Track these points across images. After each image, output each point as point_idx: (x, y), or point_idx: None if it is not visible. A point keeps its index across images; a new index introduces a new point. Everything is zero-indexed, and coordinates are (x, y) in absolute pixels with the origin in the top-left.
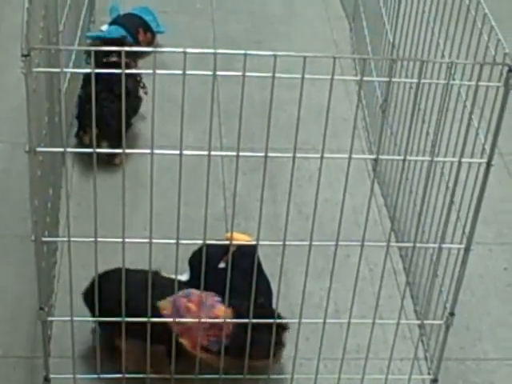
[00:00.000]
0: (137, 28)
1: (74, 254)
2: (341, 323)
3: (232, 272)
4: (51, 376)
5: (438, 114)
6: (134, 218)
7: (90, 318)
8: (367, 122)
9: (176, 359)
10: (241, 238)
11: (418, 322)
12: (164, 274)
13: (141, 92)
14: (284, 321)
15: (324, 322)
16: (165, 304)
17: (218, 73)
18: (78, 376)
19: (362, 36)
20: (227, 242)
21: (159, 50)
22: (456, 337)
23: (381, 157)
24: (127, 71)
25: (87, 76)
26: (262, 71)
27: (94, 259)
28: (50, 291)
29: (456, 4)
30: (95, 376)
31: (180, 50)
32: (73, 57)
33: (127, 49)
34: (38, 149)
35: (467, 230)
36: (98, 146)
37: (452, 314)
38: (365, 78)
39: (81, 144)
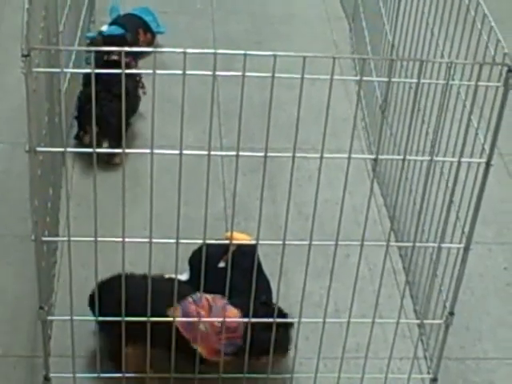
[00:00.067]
0: (137, 28)
1: (74, 253)
2: (340, 322)
3: (232, 271)
4: (51, 375)
5: (437, 113)
6: (134, 218)
7: (90, 318)
8: (367, 121)
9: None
10: (241, 238)
11: (418, 321)
12: (167, 275)
13: (140, 92)
14: (289, 320)
15: (324, 322)
16: (175, 313)
17: (218, 73)
18: (78, 375)
19: (361, 36)
20: (227, 242)
21: (159, 50)
22: (456, 336)
23: (380, 156)
24: (127, 71)
25: (87, 76)
26: (262, 71)
27: (94, 259)
28: (50, 291)
29: (456, 4)
30: (95, 375)
31: (180, 50)
32: (73, 57)
33: (127, 49)
34: (38, 149)
35: (467, 229)
36: (99, 145)
37: (452, 313)
38: (364, 78)
39: (81, 144)
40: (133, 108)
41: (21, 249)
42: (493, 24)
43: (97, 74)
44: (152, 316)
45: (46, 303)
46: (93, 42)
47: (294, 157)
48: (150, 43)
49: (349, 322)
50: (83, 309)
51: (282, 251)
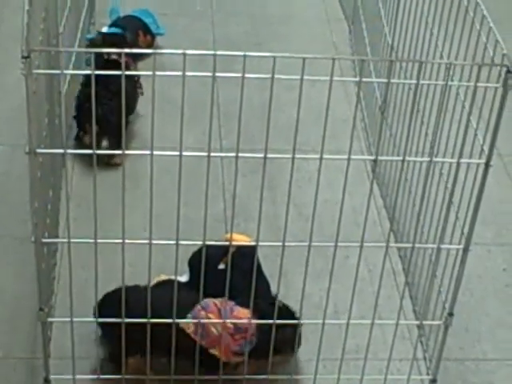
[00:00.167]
0: (137, 30)
1: (74, 255)
2: (340, 324)
3: (232, 273)
4: (51, 377)
5: (436, 114)
6: (134, 219)
7: (90, 319)
8: (366, 122)
9: (208, 370)
10: (240, 239)
11: (417, 322)
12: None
13: (137, 91)
14: (288, 322)
15: (323, 323)
16: (187, 323)
17: (218, 74)
18: (78, 377)
19: (361, 38)
20: (227, 243)
21: (159, 51)
22: (455, 337)
23: (380, 157)
24: (127, 73)
25: (87, 76)
26: (262, 73)
27: (94, 260)
28: (49, 292)
29: (454, 5)
30: (95, 377)
31: (179, 51)
32: (73, 58)
33: (127, 50)
34: (38, 150)
35: (466, 230)
36: (99, 144)
37: (451, 314)
38: (364, 80)
39: (81, 144)
40: (131, 107)
41: (21, 250)
42: (492, 25)
43: (96, 74)
44: (163, 328)
45: (45, 305)
46: (93, 40)
47: (293, 158)
48: (149, 45)
49: (348, 324)
50: (83, 310)
51: (282, 252)
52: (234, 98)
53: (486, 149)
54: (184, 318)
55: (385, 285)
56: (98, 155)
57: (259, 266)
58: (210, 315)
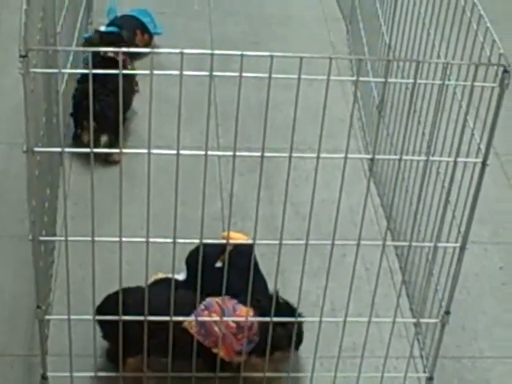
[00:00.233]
0: (134, 29)
1: (72, 253)
2: (337, 322)
3: (229, 271)
4: (49, 374)
5: (433, 114)
6: (131, 218)
7: (87, 317)
8: (363, 122)
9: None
10: (237, 237)
11: (414, 320)
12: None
13: (134, 88)
14: (286, 319)
15: (320, 321)
16: (190, 323)
17: (215, 73)
18: (76, 374)
19: (358, 37)
20: (224, 242)
21: (156, 50)
22: (452, 335)
23: (377, 156)
24: (124, 72)
25: (84, 74)
26: (259, 72)
27: (92, 258)
28: (47, 290)
29: (452, 5)
30: (92, 374)
31: (177, 50)
32: (70, 58)
33: (125, 50)
34: (36, 149)
35: (463, 229)
36: (97, 140)
37: (447, 312)
38: (361, 79)
39: (79, 143)
40: (127, 103)
41: (18, 249)
42: (488, 25)
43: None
44: (164, 328)
45: (43, 302)
46: (90, 39)
47: (290, 157)
48: (147, 44)
49: (345, 322)
50: (80, 308)
51: (279, 251)
52: (232, 97)
53: (482, 148)
54: (182, 316)
55: (382, 283)
56: (96, 153)
57: (256, 265)
58: (213, 315)
